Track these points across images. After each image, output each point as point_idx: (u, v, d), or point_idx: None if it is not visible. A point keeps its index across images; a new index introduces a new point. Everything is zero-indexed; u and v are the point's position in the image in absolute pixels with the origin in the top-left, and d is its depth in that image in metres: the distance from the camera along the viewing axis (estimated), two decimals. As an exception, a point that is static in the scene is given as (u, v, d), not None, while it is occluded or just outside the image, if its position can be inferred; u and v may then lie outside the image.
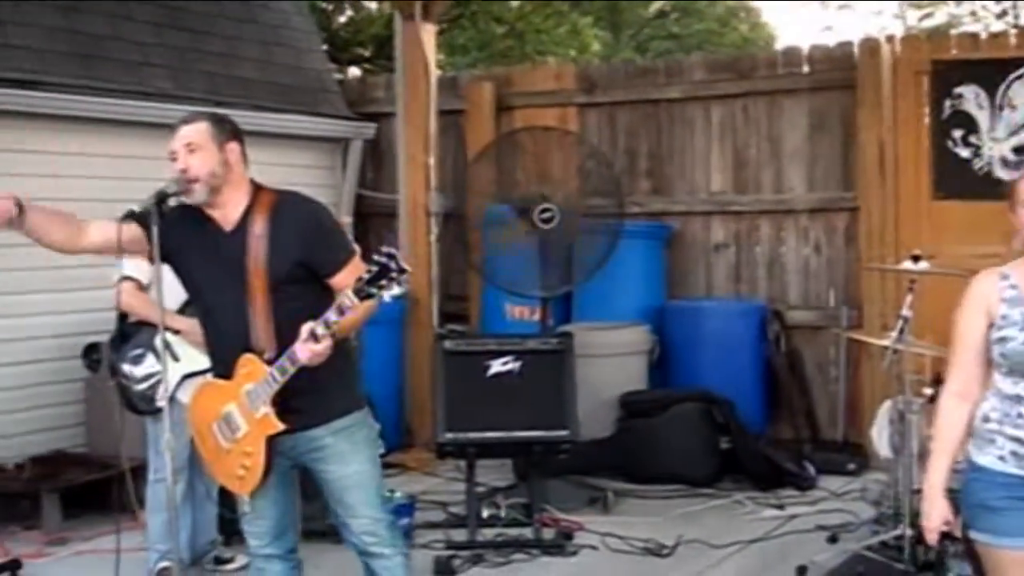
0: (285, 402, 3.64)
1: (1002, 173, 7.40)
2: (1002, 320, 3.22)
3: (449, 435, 6.23)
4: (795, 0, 24.96)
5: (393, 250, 3.44)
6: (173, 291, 3.94)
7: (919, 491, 5.46)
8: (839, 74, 7.98)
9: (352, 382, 3.93)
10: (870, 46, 7.82)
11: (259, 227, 3.72)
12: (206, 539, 5.60)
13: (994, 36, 8.38)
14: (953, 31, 16.02)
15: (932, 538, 3.37)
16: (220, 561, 5.71)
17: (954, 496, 3.33)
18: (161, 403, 5.11)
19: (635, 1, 20.11)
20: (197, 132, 3.74)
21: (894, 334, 5.47)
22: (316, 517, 5.20)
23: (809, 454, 7.49)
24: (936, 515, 3.32)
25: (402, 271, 3.41)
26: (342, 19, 17.76)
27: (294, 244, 3.71)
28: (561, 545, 6.05)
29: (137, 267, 5.00)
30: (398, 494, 6.10)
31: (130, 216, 3.67)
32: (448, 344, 6.46)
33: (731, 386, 7.46)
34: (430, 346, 7.52)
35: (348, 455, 3.81)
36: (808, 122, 8.22)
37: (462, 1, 15.83)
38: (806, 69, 8.22)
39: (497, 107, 8.93)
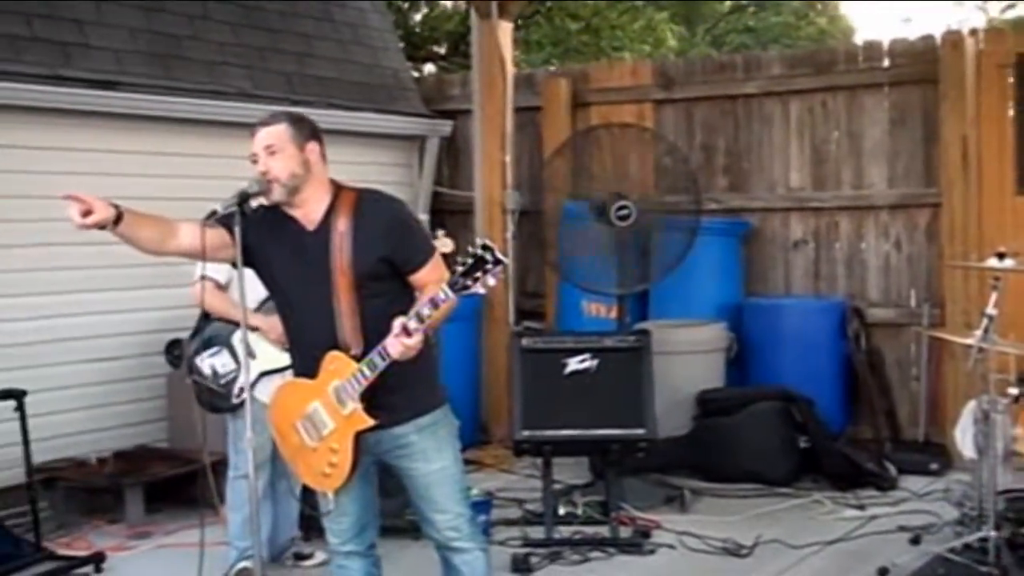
0: (372, 399, 3.66)
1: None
2: None
3: (526, 433, 6.24)
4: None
5: (488, 242, 3.46)
6: (251, 289, 3.98)
7: (1004, 492, 5.43)
8: (921, 68, 7.86)
9: (435, 379, 3.95)
10: (953, 39, 7.69)
11: (343, 225, 3.75)
12: (287, 536, 5.66)
13: (1081, 28, 8.20)
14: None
15: None
16: (300, 557, 5.76)
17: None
18: (237, 400, 5.20)
19: (711, -3, 19.98)
20: (276, 134, 3.78)
21: (979, 332, 5.37)
22: (395, 513, 5.23)
23: (890, 454, 7.40)
24: None
25: (498, 262, 3.42)
26: (418, 16, 17.83)
27: (378, 241, 3.73)
28: (638, 544, 6.02)
29: (216, 268, 5.04)
30: (475, 491, 6.12)
31: (213, 216, 3.71)
32: (525, 342, 6.47)
33: (810, 384, 7.38)
34: (506, 343, 7.54)
35: (432, 452, 3.83)
36: (889, 117, 8.10)
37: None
38: (887, 63, 8.09)
39: (573, 104, 8.90)
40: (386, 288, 3.77)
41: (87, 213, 3.58)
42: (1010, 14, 18.94)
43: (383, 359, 3.59)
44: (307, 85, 8.47)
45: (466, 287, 3.45)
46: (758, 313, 8.06)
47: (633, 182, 7.08)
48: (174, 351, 6.99)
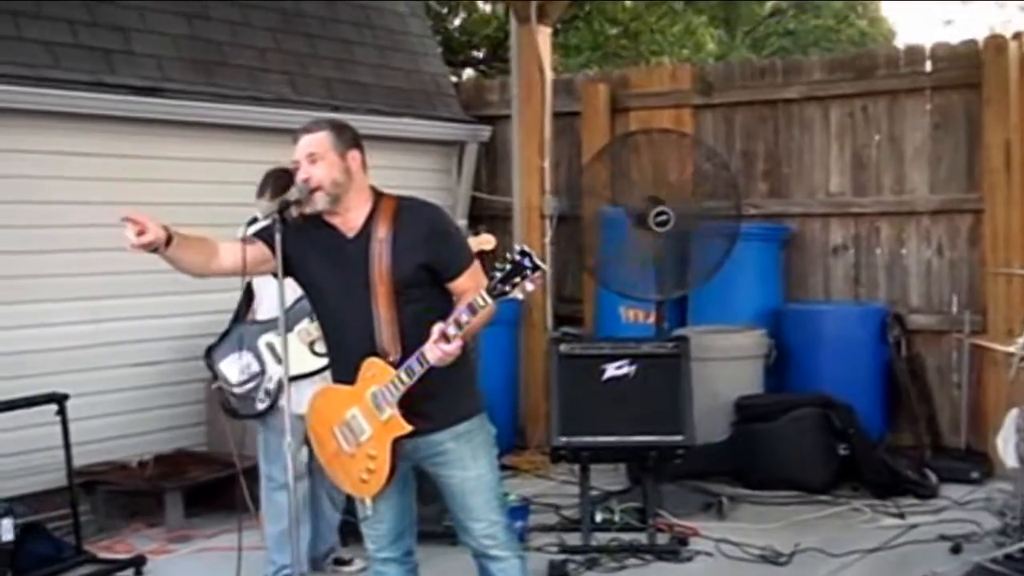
0: (410, 405, 3.68)
1: None
2: None
3: (563, 439, 6.23)
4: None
5: (527, 247, 3.47)
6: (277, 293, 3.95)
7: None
8: (963, 72, 7.79)
9: (472, 386, 3.96)
10: (996, 43, 7.63)
11: (383, 232, 3.76)
12: (326, 545, 5.64)
13: None
14: (1082, 25, 15.52)
15: None
16: (340, 562, 5.76)
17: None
18: (263, 406, 5.11)
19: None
20: (318, 142, 3.79)
21: (1021, 340, 5.33)
22: (432, 519, 5.24)
23: (930, 461, 7.34)
24: None
25: (536, 268, 3.43)
26: (457, 21, 17.86)
27: (418, 247, 3.75)
28: (676, 551, 6.00)
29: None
30: (512, 497, 6.12)
31: (254, 222, 3.74)
32: (563, 348, 6.46)
33: (850, 391, 7.33)
34: (543, 348, 7.54)
35: (469, 460, 3.84)
36: (930, 121, 8.03)
37: (577, 2, 15.80)
38: (928, 67, 8.03)
39: (612, 109, 8.89)
40: (425, 295, 3.78)
41: (141, 233, 3.62)
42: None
43: (421, 365, 3.60)
44: (347, 91, 8.51)
45: (504, 293, 3.46)
46: (797, 319, 8.02)
47: (672, 187, 7.05)
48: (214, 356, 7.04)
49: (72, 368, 6.61)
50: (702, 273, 7.08)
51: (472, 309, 3.52)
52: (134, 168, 6.93)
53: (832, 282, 8.39)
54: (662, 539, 6.13)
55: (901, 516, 6.56)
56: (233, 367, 5.23)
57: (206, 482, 6.68)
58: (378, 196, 3.87)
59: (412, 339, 3.67)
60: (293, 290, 4.04)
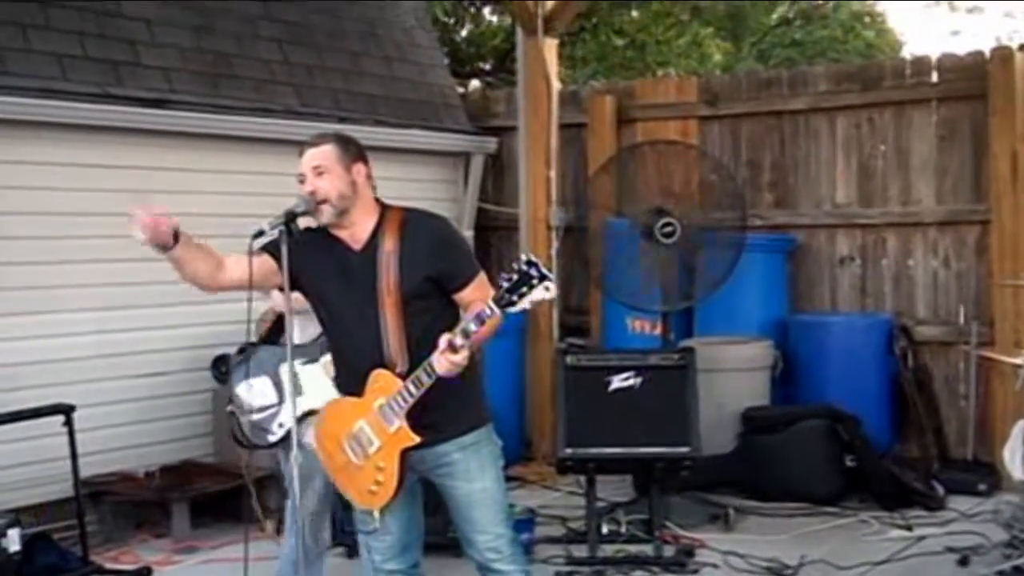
0: (417, 417, 3.68)
1: None
2: None
3: (569, 450, 6.23)
4: (922, 0, 24.33)
5: (533, 257, 3.47)
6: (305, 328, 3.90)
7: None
8: (969, 83, 7.79)
9: (479, 397, 3.96)
10: (1002, 54, 7.62)
11: (390, 244, 3.77)
12: None
13: None
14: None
15: None
16: None
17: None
18: (273, 438, 4.79)
19: (758, 1, 19.77)
20: (324, 155, 3.81)
21: (1028, 352, 5.32)
22: (438, 531, 5.22)
23: (937, 473, 7.33)
24: None
25: (544, 277, 3.43)
26: (463, 33, 17.89)
27: (425, 259, 3.76)
28: (682, 563, 5.99)
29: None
30: (518, 508, 6.11)
31: (260, 235, 3.74)
32: (569, 359, 6.46)
33: (857, 402, 7.32)
34: (550, 359, 7.54)
35: (475, 472, 3.84)
36: (937, 132, 8.03)
37: (583, 14, 15.81)
38: (935, 78, 8.03)
39: (618, 120, 8.89)
40: (432, 306, 3.79)
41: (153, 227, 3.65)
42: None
43: (429, 376, 3.60)
44: (354, 102, 8.53)
45: (512, 303, 3.46)
46: (804, 330, 8.02)
47: (678, 199, 7.06)
48: (220, 367, 7.03)
49: (79, 379, 6.62)
50: (708, 284, 7.09)
51: (480, 318, 3.52)
52: (141, 180, 6.93)
53: (839, 293, 8.38)
54: (668, 551, 6.12)
55: (908, 528, 6.54)
56: (252, 392, 4.87)
57: (213, 493, 6.68)
58: (384, 208, 3.88)
59: (419, 350, 3.67)
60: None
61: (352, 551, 5.38)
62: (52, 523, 6.21)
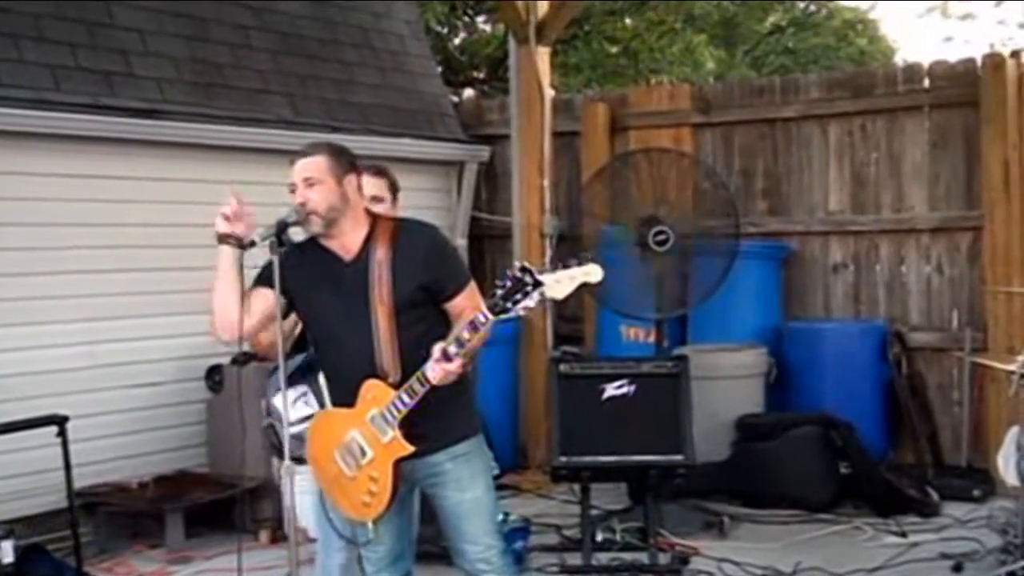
0: (409, 427, 3.67)
1: None
2: None
3: (564, 459, 6.22)
4: (914, 0, 24.40)
5: (527, 264, 3.47)
6: None
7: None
8: (962, 90, 7.80)
9: (471, 407, 3.96)
10: (994, 61, 7.64)
11: (382, 254, 3.77)
12: None
13: (1124, 48, 8.11)
14: (1081, 42, 15.57)
15: None
16: None
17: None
18: None
19: (753, 3, 19.74)
20: (315, 166, 3.81)
21: (1022, 358, 5.32)
22: (431, 540, 5.22)
23: (932, 479, 7.33)
24: None
25: (537, 284, 3.43)
26: (456, 41, 17.90)
27: (417, 268, 3.76)
28: (677, 570, 6.00)
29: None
30: (513, 517, 6.11)
31: (252, 245, 3.75)
32: (563, 367, 6.46)
33: (850, 409, 7.33)
34: (544, 368, 7.52)
35: (466, 482, 3.84)
36: (929, 140, 8.05)
37: (576, 22, 15.83)
38: (927, 85, 8.05)
39: (612, 128, 8.90)
40: (424, 316, 3.79)
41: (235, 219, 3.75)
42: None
43: (422, 385, 3.60)
44: (347, 112, 8.53)
45: (506, 310, 3.46)
46: (798, 337, 8.02)
47: (672, 206, 7.06)
48: (214, 377, 7.05)
49: (72, 390, 6.61)
50: (702, 292, 7.10)
51: (473, 326, 3.52)
52: (134, 190, 6.95)
53: (832, 300, 8.39)
54: (663, 558, 6.12)
55: (903, 534, 6.55)
56: (295, 404, 4.56)
57: (207, 503, 6.67)
58: (375, 218, 3.89)
59: (412, 360, 3.66)
60: None
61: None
62: (46, 534, 6.20)
